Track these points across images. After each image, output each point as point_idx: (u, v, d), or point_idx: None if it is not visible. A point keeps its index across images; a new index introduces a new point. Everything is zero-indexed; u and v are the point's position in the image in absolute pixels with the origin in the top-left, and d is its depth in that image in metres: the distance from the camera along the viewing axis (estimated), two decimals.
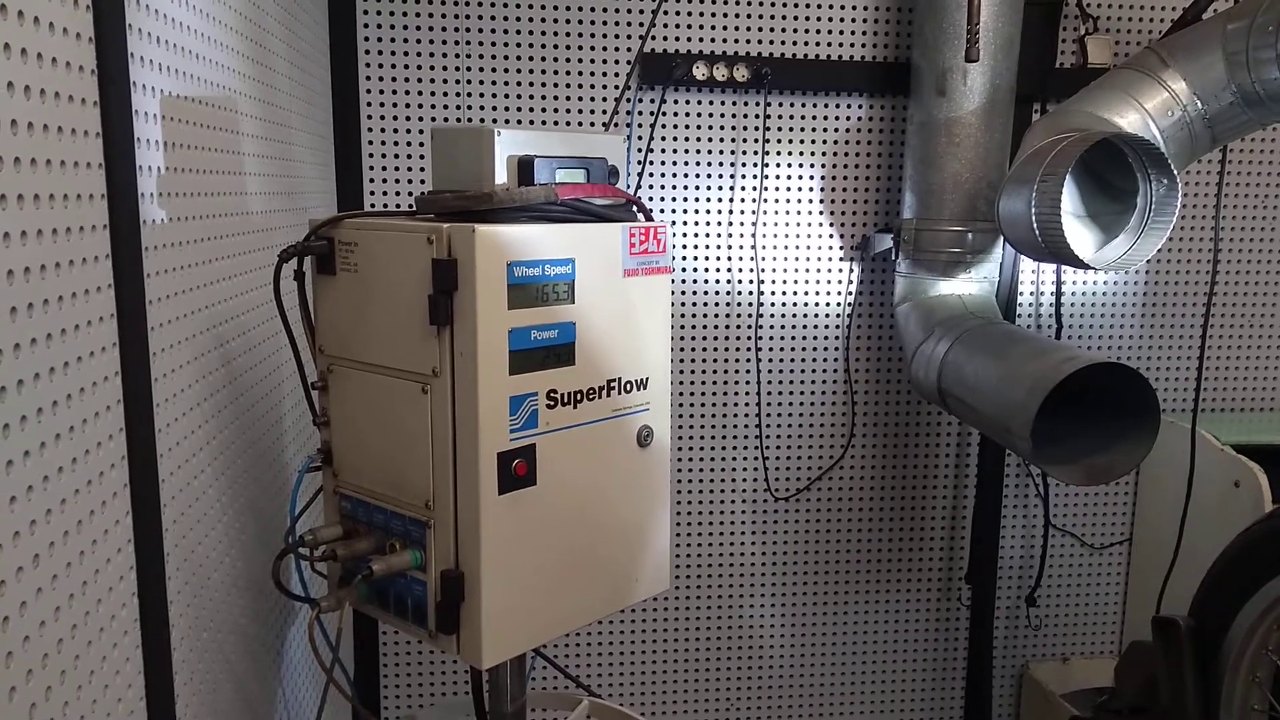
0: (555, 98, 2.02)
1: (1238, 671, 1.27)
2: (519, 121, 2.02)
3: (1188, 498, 2.06)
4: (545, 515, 1.08)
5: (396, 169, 2.00)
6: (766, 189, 2.12)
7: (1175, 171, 1.63)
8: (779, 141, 2.11)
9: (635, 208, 1.15)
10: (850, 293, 2.19)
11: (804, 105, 2.10)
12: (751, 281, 2.15)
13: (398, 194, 2.01)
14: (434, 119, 1.99)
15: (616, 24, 2.01)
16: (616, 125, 2.04)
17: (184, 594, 0.98)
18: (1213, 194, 2.25)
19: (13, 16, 0.66)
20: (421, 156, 2.01)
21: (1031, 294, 2.25)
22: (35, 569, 0.68)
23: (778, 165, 2.12)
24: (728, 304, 2.15)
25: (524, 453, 1.04)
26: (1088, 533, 2.37)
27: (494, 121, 2.02)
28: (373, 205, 2.01)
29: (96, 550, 0.79)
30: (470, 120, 2.00)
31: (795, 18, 2.06)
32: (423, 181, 2.02)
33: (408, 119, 1.99)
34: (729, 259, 2.14)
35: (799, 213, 2.15)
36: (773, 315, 2.17)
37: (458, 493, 1.03)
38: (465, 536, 1.03)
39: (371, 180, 2.00)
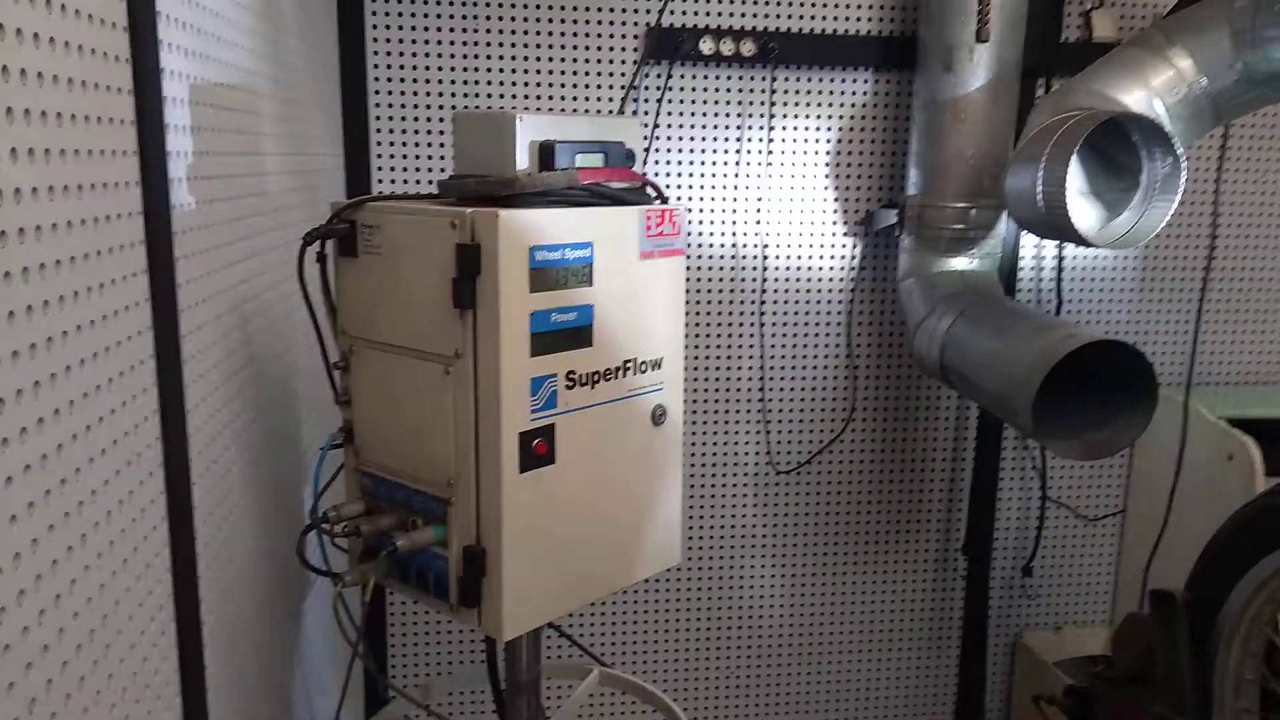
0: (562, 73, 2.02)
1: (1232, 643, 1.31)
2: (525, 97, 2.02)
3: (1178, 471, 2.09)
4: (564, 492, 1.11)
5: (405, 152, 2.00)
6: (772, 164, 2.13)
7: (1180, 150, 1.65)
8: (785, 116, 2.11)
9: (651, 190, 1.16)
10: (854, 268, 2.21)
11: (810, 80, 2.11)
12: (756, 256, 2.16)
13: (405, 177, 2.02)
14: (440, 95, 1.99)
15: None
16: (624, 102, 2.04)
17: (211, 568, 1.00)
18: (1213, 171, 2.27)
19: (56, 9, 0.67)
20: (430, 139, 2.00)
21: (1032, 269, 2.27)
22: (83, 547, 0.71)
23: (783, 140, 2.13)
24: (732, 279, 2.17)
25: (544, 432, 1.06)
26: (1082, 505, 2.41)
27: (500, 99, 2.01)
28: (380, 190, 2.01)
29: (136, 527, 0.81)
30: (475, 99, 2.00)
31: None
32: (430, 164, 2.02)
33: (415, 94, 1.98)
34: (734, 234, 2.15)
35: (804, 188, 2.16)
36: (776, 290, 2.19)
37: (479, 471, 1.05)
38: (487, 513, 1.06)
39: (379, 157, 2.00)
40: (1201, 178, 2.28)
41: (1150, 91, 1.73)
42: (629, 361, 1.15)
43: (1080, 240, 1.67)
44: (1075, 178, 1.76)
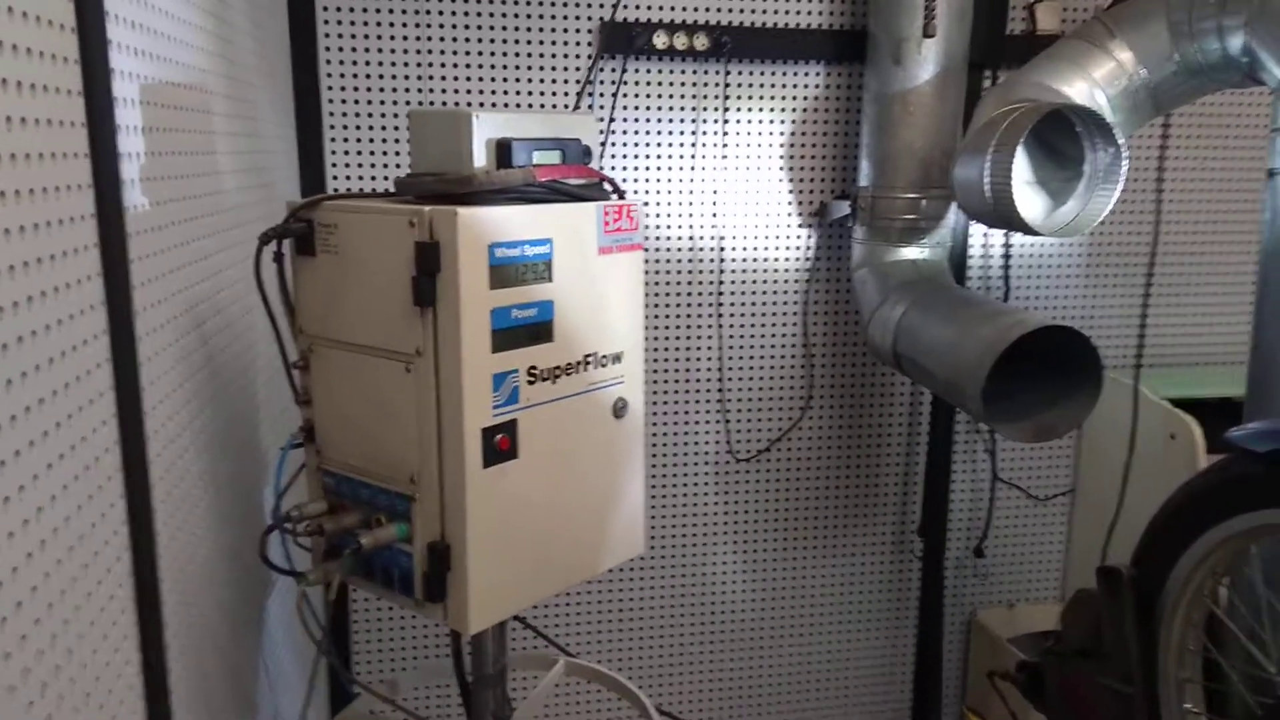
0: (517, 68, 2.02)
1: (1175, 616, 1.36)
2: (480, 94, 2.01)
3: (1131, 451, 2.16)
4: (527, 486, 1.12)
5: (360, 149, 1.99)
6: (727, 157, 2.15)
7: (1121, 140, 1.70)
8: (739, 110, 2.14)
9: (609, 186, 1.18)
10: (809, 259, 2.24)
11: (763, 74, 2.13)
12: (713, 249, 2.18)
13: (361, 174, 2.00)
14: (395, 91, 1.98)
15: None
16: (580, 97, 2.04)
17: (173, 570, 1.00)
18: (1155, 159, 2.33)
19: (1, 10, 0.66)
20: (385, 135, 1.99)
21: (982, 258, 2.32)
22: (43, 553, 0.70)
23: (738, 133, 2.15)
24: (690, 270, 2.19)
25: (506, 428, 1.07)
26: (1033, 485, 2.47)
27: (455, 95, 2.01)
28: (335, 188, 1.99)
29: (96, 532, 0.80)
30: (430, 96, 1.99)
31: None
32: (386, 160, 2.01)
33: (369, 89, 1.97)
34: (690, 226, 2.17)
35: (759, 180, 2.18)
36: (733, 281, 2.21)
37: (443, 467, 1.06)
38: (451, 509, 1.07)
39: (333, 154, 1.98)
40: (1144, 166, 2.34)
41: (1092, 83, 1.78)
42: (589, 356, 1.16)
43: (1026, 229, 1.72)
44: (1021, 168, 1.81)
